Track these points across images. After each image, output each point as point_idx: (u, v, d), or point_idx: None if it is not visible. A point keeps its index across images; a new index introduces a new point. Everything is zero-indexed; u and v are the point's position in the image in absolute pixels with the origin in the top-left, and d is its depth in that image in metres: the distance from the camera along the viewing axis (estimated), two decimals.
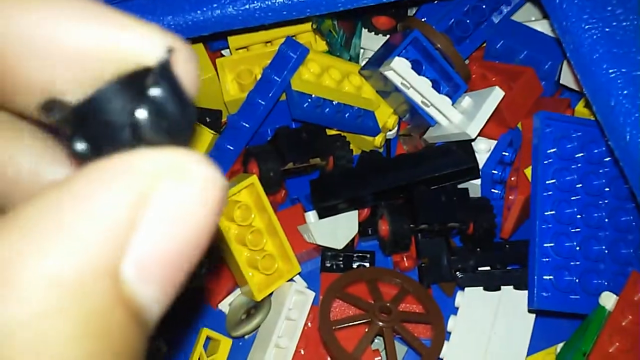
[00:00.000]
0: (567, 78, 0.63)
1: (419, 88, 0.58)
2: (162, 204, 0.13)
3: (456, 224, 0.59)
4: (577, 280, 0.54)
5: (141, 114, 0.13)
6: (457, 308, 0.59)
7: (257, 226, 0.58)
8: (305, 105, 0.61)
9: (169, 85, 0.13)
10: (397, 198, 0.61)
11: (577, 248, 0.55)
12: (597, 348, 0.50)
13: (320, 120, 0.62)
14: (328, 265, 0.62)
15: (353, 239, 0.62)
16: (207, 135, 0.63)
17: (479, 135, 0.58)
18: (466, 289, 0.59)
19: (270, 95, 0.60)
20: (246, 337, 0.60)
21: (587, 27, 0.50)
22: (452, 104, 0.60)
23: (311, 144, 0.62)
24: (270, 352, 0.56)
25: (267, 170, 0.59)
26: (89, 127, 0.13)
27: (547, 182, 0.56)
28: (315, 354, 0.58)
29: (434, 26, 0.61)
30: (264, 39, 0.63)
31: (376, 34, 0.68)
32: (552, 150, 0.56)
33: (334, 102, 0.63)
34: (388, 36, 0.66)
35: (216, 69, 0.63)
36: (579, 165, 0.56)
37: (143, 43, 0.14)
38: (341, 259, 0.62)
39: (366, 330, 0.55)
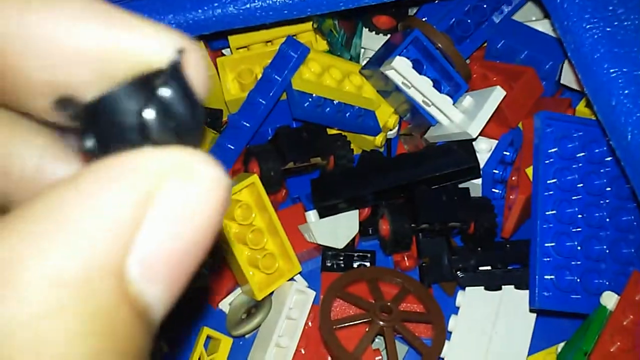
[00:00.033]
0: (567, 78, 0.63)
1: (420, 87, 0.58)
2: (167, 203, 0.13)
3: (457, 224, 0.59)
4: (578, 280, 0.54)
5: (149, 114, 0.13)
6: (458, 308, 0.59)
7: (258, 225, 0.58)
8: (306, 105, 0.61)
9: (178, 86, 0.14)
10: (397, 197, 0.61)
11: (578, 248, 0.55)
12: (598, 348, 0.50)
13: (321, 119, 0.62)
14: (329, 264, 0.62)
15: (354, 239, 0.62)
16: (207, 135, 0.63)
17: (480, 134, 0.58)
18: (467, 288, 0.59)
19: (271, 94, 0.60)
20: (247, 336, 0.60)
21: (588, 26, 0.50)
22: (453, 104, 0.60)
23: (312, 144, 0.62)
24: (271, 351, 0.56)
25: (267, 170, 0.59)
26: (99, 126, 0.14)
27: (548, 181, 0.56)
28: (316, 354, 0.57)
29: (435, 26, 0.61)
30: (265, 38, 0.63)
31: (377, 33, 0.68)
32: (553, 150, 0.56)
33: (334, 102, 0.63)
34: (389, 36, 0.66)
35: (217, 68, 0.63)
36: (580, 164, 0.56)
37: (151, 44, 0.14)
38: (342, 258, 0.62)
39: (367, 329, 0.55)
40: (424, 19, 0.64)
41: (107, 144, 0.13)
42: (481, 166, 0.60)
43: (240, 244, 0.57)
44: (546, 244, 0.55)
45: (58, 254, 0.12)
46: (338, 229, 0.60)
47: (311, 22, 0.62)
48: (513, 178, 0.61)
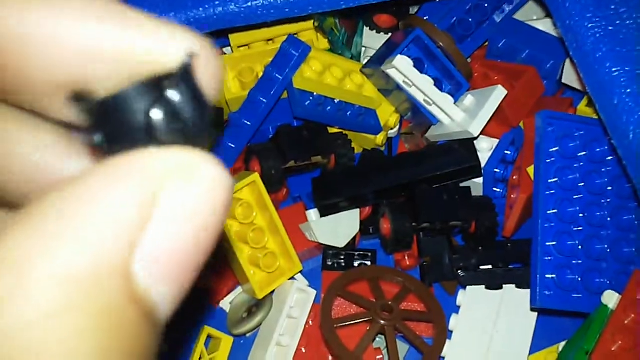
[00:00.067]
0: (569, 77, 0.63)
1: (421, 86, 0.58)
2: (170, 203, 0.13)
3: (458, 223, 0.59)
4: (579, 279, 0.54)
5: (156, 114, 0.13)
6: (459, 307, 0.59)
7: (259, 224, 0.58)
8: (306, 104, 0.61)
9: (187, 90, 0.14)
10: (398, 196, 0.61)
11: (580, 247, 0.55)
12: (599, 347, 0.50)
13: (321, 118, 0.62)
14: (329, 263, 0.62)
15: (355, 238, 0.62)
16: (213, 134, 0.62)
17: (481, 134, 0.58)
18: (468, 287, 0.59)
19: (271, 93, 0.60)
20: (247, 335, 0.60)
21: (590, 25, 0.50)
22: (454, 103, 0.60)
23: (313, 142, 0.62)
24: (272, 350, 0.55)
25: (268, 168, 0.59)
26: (108, 123, 0.14)
27: (550, 180, 0.56)
28: (317, 353, 0.57)
29: (436, 24, 0.61)
30: (266, 36, 0.63)
31: (378, 32, 0.68)
32: (554, 149, 0.56)
33: (335, 100, 0.63)
34: (390, 34, 0.66)
35: None
36: (582, 164, 0.56)
37: (164, 45, 0.14)
38: (343, 257, 0.62)
39: (368, 328, 0.55)
40: (425, 18, 0.64)
41: (114, 141, 0.14)
42: (482, 165, 0.60)
43: (241, 242, 0.57)
44: (547, 243, 0.55)
45: (66, 252, 0.12)
46: (339, 228, 0.60)
47: (312, 21, 0.62)
48: (514, 177, 0.61)
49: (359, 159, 0.66)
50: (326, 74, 0.62)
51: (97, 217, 0.12)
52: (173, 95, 0.14)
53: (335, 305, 0.58)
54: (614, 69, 0.49)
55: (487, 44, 0.67)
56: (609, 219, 0.56)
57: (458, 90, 0.60)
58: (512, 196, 0.60)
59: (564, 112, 0.59)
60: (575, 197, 0.56)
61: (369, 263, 0.62)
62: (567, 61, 0.62)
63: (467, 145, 0.60)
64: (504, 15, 0.66)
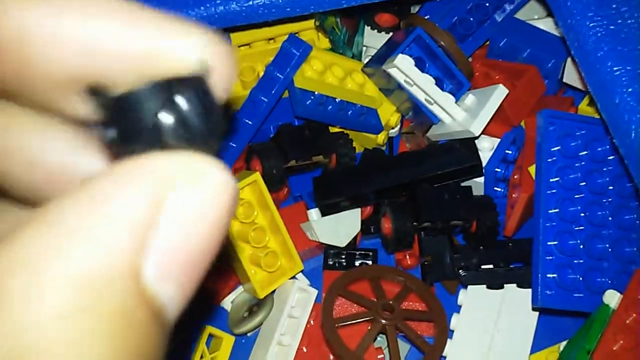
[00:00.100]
0: (570, 76, 0.63)
1: (422, 85, 0.58)
2: (176, 206, 0.13)
3: (459, 222, 0.59)
4: (580, 279, 0.54)
5: (165, 118, 0.14)
6: (460, 306, 0.59)
7: (260, 223, 0.58)
8: (308, 103, 0.61)
9: (196, 97, 0.14)
10: (399, 196, 0.61)
11: (581, 246, 0.55)
12: (601, 346, 0.49)
13: (322, 117, 0.62)
14: (330, 263, 0.62)
15: (356, 237, 0.62)
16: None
17: (482, 133, 0.58)
18: (469, 287, 0.59)
19: (272, 92, 0.60)
20: (249, 334, 0.60)
21: (591, 24, 0.50)
22: (456, 102, 0.60)
23: (314, 142, 0.62)
24: (273, 349, 0.55)
25: (269, 168, 0.59)
26: (120, 120, 0.14)
27: (551, 180, 0.56)
28: (318, 352, 0.57)
29: (437, 24, 0.61)
30: (267, 36, 0.63)
31: (379, 31, 0.68)
32: (555, 149, 0.56)
33: (336, 100, 0.63)
34: (391, 34, 0.66)
35: None
36: (583, 163, 0.56)
37: (181, 46, 0.14)
38: (344, 256, 0.62)
39: (369, 328, 0.55)
40: (426, 17, 0.64)
41: (127, 139, 0.14)
42: (483, 164, 0.60)
43: (242, 242, 0.57)
44: (549, 243, 0.55)
45: (81, 252, 0.12)
46: (340, 227, 0.60)
47: (313, 20, 0.62)
48: (515, 176, 0.61)
49: (360, 159, 0.66)
50: (327, 73, 0.62)
51: (110, 217, 0.12)
52: (181, 101, 0.14)
53: (337, 304, 0.58)
54: (615, 68, 0.49)
55: (488, 43, 0.67)
56: (610, 218, 0.56)
57: (459, 89, 0.60)
58: (513, 195, 0.60)
59: (565, 112, 0.59)
60: (576, 196, 0.56)
61: (370, 262, 0.62)
62: (569, 60, 0.62)
63: (468, 144, 0.59)
64: (505, 14, 0.66)
